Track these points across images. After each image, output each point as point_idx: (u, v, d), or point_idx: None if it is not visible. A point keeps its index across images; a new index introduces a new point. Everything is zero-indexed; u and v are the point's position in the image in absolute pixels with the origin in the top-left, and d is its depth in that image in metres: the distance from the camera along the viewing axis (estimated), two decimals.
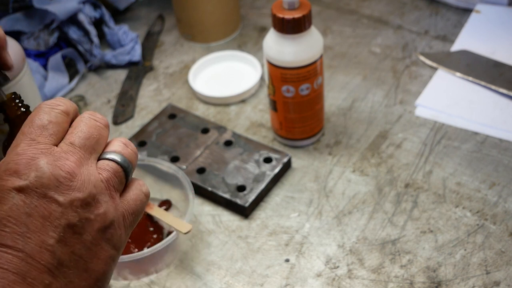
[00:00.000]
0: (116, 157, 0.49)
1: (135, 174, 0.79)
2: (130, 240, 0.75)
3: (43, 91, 0.94)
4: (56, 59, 0.96)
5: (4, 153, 0.49)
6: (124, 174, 0.49)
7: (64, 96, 0.96)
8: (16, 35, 0.96)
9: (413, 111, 0.89)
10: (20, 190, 0.45)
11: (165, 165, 0.77)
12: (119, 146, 0.50)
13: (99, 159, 0.49)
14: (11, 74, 0.78)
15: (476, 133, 0.85)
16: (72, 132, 0.48)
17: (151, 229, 0.75)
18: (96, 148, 0.49)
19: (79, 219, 0.46)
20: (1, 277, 0.43)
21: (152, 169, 0.78)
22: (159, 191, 0.80)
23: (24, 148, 0.47)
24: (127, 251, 0.74)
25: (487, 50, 0.95)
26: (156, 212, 0.76)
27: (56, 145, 0.48)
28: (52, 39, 0.97)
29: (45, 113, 0.48)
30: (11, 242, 0.44)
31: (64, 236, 0.45)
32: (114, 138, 0.51)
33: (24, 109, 0.52)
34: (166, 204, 0.79)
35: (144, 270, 0.72)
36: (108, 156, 0.49)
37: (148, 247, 0.72)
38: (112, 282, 0.72)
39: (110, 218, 0.47)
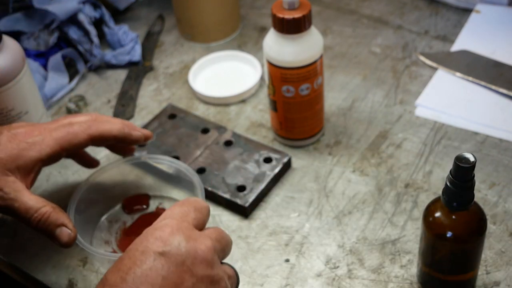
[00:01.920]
0: (231, 266, 0.59)
1: (135, 174, 0.79)
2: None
3: (43, 91, 0.94)
4: (56, 59, 0.96)
5: None
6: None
7: (64, 96, 0.96)
8: (16, 35, 0.96)
9: (413, 111, 0.89)
10: (162, 254, 0.52)
11: (182, 166, 0.76)
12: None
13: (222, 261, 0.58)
14: (11, 74, 0.78)
15: (476, 133, 0.85)
16: (211, 229, 0.58)
17: None
18: (224, 253, 0.58)
19: None
20: None
21: (166, 166, 0.78)
22: (158, 189, 0.80)
23: (171, 222, 0.55)
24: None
25: (487, 50, 0.95)
26: None
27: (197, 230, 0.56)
28: (52, 39, 0.97)
29: (193, 205, 0.59)
30: None
31: None
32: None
33: None
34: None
35: None
36: (229, 264, 0.59)
37: None
38: None
39: None
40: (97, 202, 0.77)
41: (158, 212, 0.78)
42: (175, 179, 0.77)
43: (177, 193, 0.79)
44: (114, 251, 0.74)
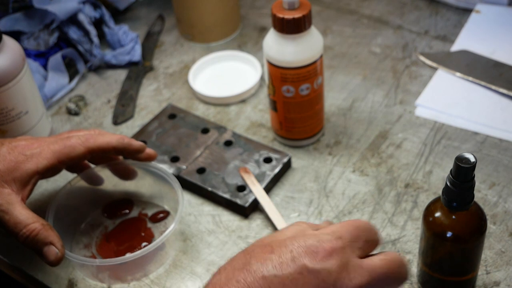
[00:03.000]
0: None
1: (117, 178, 0.79)
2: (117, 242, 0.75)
3: (43, 91, 0.94)
4: (56, 59, 0.96)
5: None
6: None
7: (64, 96, 0.96)
8: (16, 35, 0.96)
9: (413, 111, 0.89)
10: (310, 271, 0.48)
11: (163, 172, 0.76)
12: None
13: None
14: (11, 74, 0.78)
15: (476, 133, 0.85)
16: (378, 259, 0.51)
17: (143, 234, 0.75)
18: None
19: None
20: None
21: (150, 171, 0.78)
22: (159, 191, 0.80)
23: (336, 242, 0.50)
24: (110, 254, 0.73)
25: (487, 50, 0.95)
26: (260, 195, 0.76)
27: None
28: (52, 39, 0.97)
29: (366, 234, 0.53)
30: None
31: None
32: None
33: None
34: (164, 213, 0.78)
35: (120, 277, 0.72)
36: None
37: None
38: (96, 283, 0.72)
39: None
40: (78, 206, 0.77)
41: (141, 217, 0.78)
42: (157, 184, 0.77)
43: (159, 199, 0.79)
44: (93, 256, 0.74)
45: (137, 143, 0.74)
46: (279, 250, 0.50)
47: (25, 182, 0.68)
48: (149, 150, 0.76)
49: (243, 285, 0.48)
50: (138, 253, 0.68)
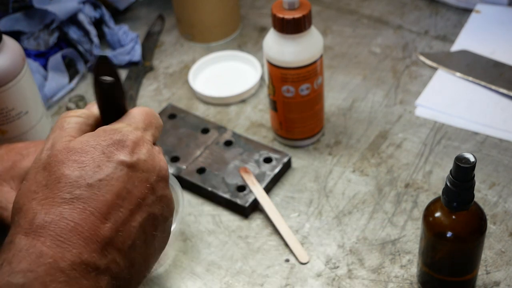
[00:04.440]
0: None
1: None
2: None
3: (43, 91, 0.94)
4: (56, 59, 0.96)
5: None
6: None
7: (64, 96, 0.96)
8: (16, 35, 0.96)
9: (413, 111, 0.89)
10: (129, 166, 0.48)
11: None
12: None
13: None
14: (11, 74, 0.78)
15: (476, 133, 0.85)
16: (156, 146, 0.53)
17: None
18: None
19: (161, 214, 0.50)
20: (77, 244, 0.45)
21: None
22: None
23: (136, 133, 0.50)
24: None
25: (487, 50, 0.95)
26: (260, 195, 0.75)
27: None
28: (52, 39, 0.97)
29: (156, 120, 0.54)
30: (105, 209, 0.46)
31: (144, 224, 0.49)
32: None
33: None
34: None
35: None
36: None
37: None
38: None
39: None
40: None
41: None
42: None
43: None
44: None
45: None
46: (87, 154, 0.48)
47: (23, 179, 0.69)
48: None
49: (71, 198, 0.46)
50: None
